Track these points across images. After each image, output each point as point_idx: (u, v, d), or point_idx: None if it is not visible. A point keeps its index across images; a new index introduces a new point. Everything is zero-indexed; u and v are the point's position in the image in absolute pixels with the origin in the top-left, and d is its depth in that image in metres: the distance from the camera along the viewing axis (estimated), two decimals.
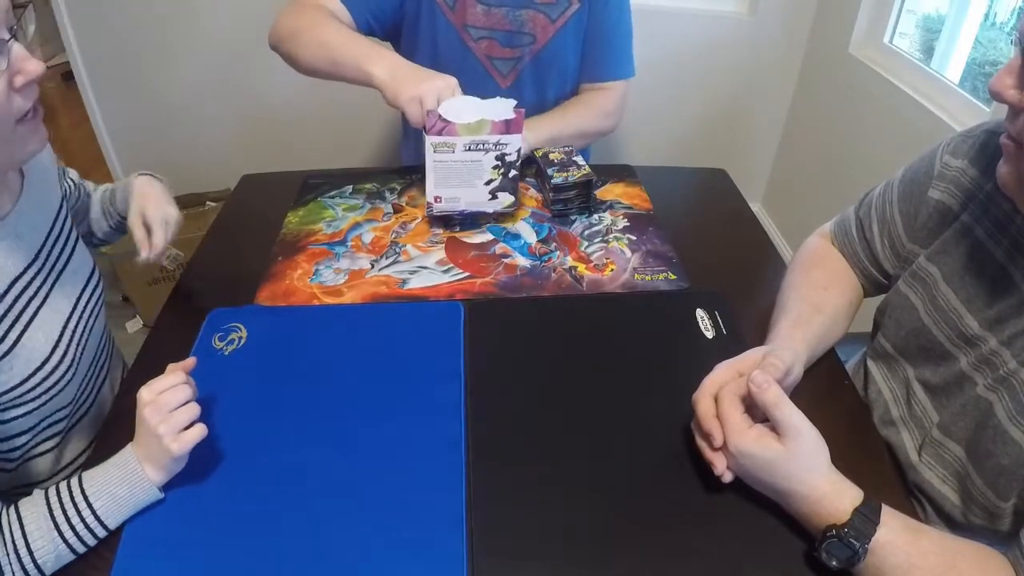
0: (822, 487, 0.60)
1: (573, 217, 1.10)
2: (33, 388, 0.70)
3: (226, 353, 0.83)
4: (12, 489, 0.77)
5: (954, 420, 0.69)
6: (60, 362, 0.73)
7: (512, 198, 1.04)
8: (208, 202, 2.07)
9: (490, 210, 1.05)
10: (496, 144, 0.97)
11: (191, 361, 0.69)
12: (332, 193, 1.16)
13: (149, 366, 0.82)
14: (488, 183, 1.01)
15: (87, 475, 0.63)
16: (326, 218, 1.09)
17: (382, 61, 1.01)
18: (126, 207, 0.91)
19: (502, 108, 0.98)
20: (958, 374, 0.69)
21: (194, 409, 0.64)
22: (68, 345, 0.75)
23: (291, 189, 1.17)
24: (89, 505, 0.61)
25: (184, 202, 2.07)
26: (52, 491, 0.61)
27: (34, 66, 0.60)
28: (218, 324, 0.86)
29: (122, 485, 0.62)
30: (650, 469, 0.70)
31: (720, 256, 1.04)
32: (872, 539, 0.56)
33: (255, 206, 1.17)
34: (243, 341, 0.84)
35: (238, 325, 0.86)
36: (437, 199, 1.02)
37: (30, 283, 0.72)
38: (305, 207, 1.12)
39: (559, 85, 1.29)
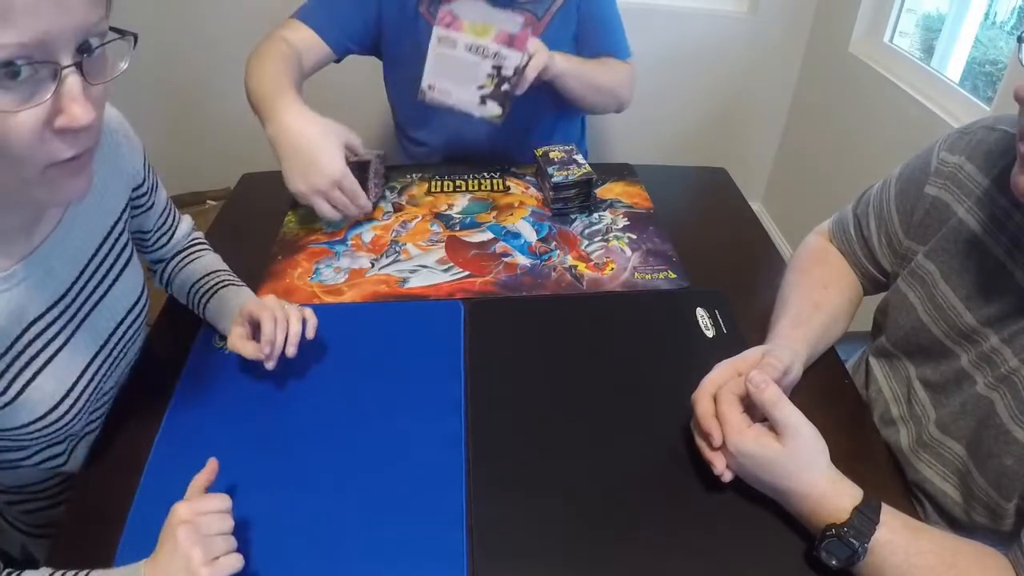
0: (821, 486, 0.60)
1: (573, 216, 1.10)
2: (29, 434, 0.63)
3: (226, 352, 0.82)
4: (13, 488, 0.75)
5: (954, 419, 0.69)
6: (68, 411, 0.65)
7: (500, 110, 1.05)
8: (208, 201, 2.07)
9: (476, 114, 1.06)
10: (495, 54, 1.00)
11: (214, 467, 0.62)
12: None
13: (150, 365, 0.83)
14: (480, 87, 1.03)
15: None
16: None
17: (271, 122, 0.96)
18: (220, 327, 0.82)
19: (512, 21, 1.00)
20: (958, 372, 0.69)
21: (232, 540, 0.57)
22: (83, 392, 0.66)
23: None
24: None
25: (184, 201, 2.07)
26: None
27: (79, 112, 0.47)
28: None
29: None
30: (650, 468, 0.70)
31: (720, 255, 1.04)
32: (872, 538, 0.56)
33: (255, 205, 1.17)
34: None
35: None
36: (431, 87, 1.04)
37: (51, 325, 0.63)
38: (305, 206, 1.12)
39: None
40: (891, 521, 0.58)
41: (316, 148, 0.94)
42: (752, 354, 0.72)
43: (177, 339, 0.85)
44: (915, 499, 0.73)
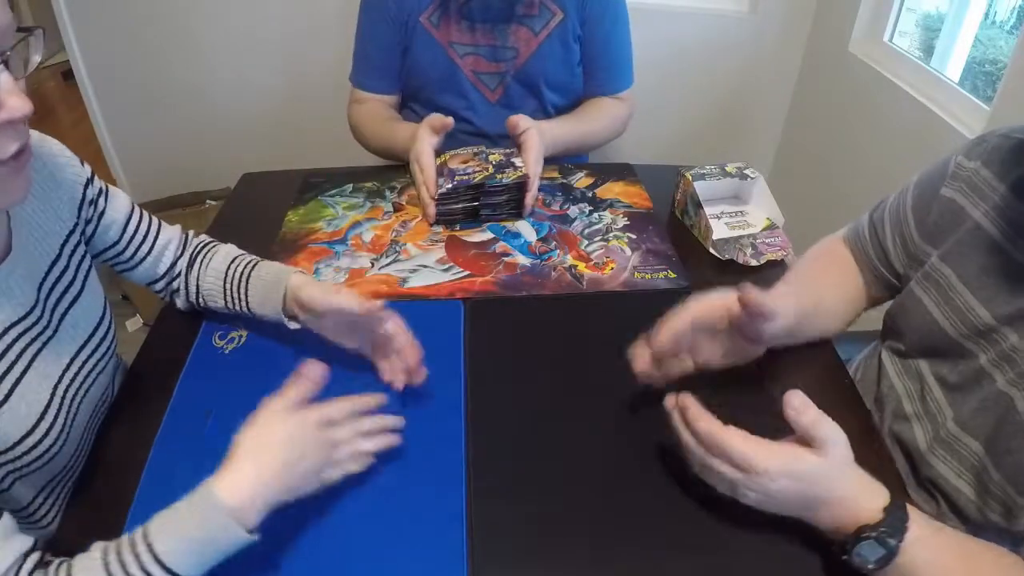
0: (855, 487, 0.59)
1: (504, 222, 1.08)
2: (10, 462, 0.61)
3: (226, 352, 0.83)
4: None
5: (972, 416, 0.69)
6: (44, 436, 0.63)
7: None
8: (208, 201, 2.07)
9: None
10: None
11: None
12: (332, 192, 1.16)
13: (149, 365, 0.83)
14: None
15: (155, 520, 0.54)
16: (326, 217, 1.09)
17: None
18: (269, 306, 0.78)
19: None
20: (977, 371, 0.69)
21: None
22: (55, 417, 0.65)
23: (291, 188, 1.17)
24: (154, 556, 0.52)
25: (184, 201, 2.07)
26: (111, 546, 0.54)
27: (18, 102, 0.51)
28: (218, 323, 0.86)
29: (198, 528, 0.53)
30: (650, 468, 0.70)
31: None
32: (905, 536, 0.56)
33: (255, 205, 1.17)
34: (243, 340, 0.84)
35: (238, 324, 0.86)
36: None
37: (12, 344, 0.62)
38: (305, 206, 1.12)
39: (552, 96, 1.30)
40: (917, 520, 0.58)
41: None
42: (714, 298, 0.71)
43: (177, 339, 0.85)
44: (929, 496, 0.73)
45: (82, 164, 0.75)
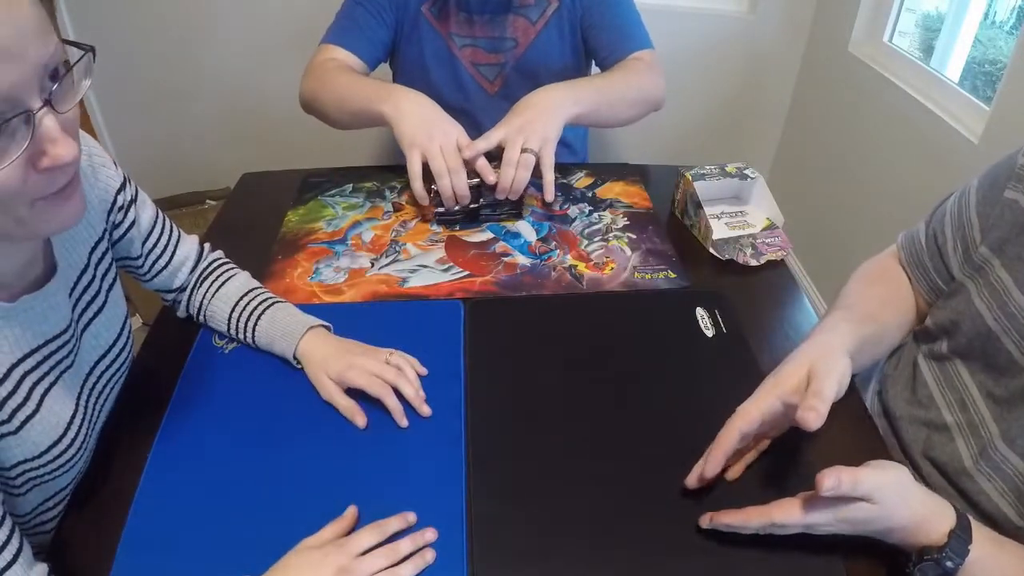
0: (915, 516, 0.59)
1: (504, 222, 1.07)
2: (33, 470, 0.61)
3: (226, 351, 0.83)
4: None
5: (1021, 433, 0.67)
6: (71, 444, 0.63)
7: None
8: (208, 200, 2.07)
9: None
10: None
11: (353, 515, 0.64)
12: (332, 192, 1.16)
13: (150, 364, 0.83)
14: None
15: None
16: (326, 216, 1.09)
17: (388, 99, 1.04)
18: (276, 350, 0.79)
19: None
20: None
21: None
22: (81, 424, 0.64)
23: (291, 188, 1.17)
24: None
25: (184, 201, 2.07)
26: None
27: (64, 150, 0.47)
28: None
29: None
30: (650, 467, 0.70)
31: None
32: (966, 558, 0.57)
33: (255, 205, 1.17)
34: None
35: None
36: None
37: (49, 357, 0.61)
38: (305, 206, 1.12)
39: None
40: (980, 538, 0.58)
41: (442, 115, 1.06)
42: (791, 378, 0.67)
43: (177, 339, 0.85)
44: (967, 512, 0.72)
45: (115, 167, 0.73)
